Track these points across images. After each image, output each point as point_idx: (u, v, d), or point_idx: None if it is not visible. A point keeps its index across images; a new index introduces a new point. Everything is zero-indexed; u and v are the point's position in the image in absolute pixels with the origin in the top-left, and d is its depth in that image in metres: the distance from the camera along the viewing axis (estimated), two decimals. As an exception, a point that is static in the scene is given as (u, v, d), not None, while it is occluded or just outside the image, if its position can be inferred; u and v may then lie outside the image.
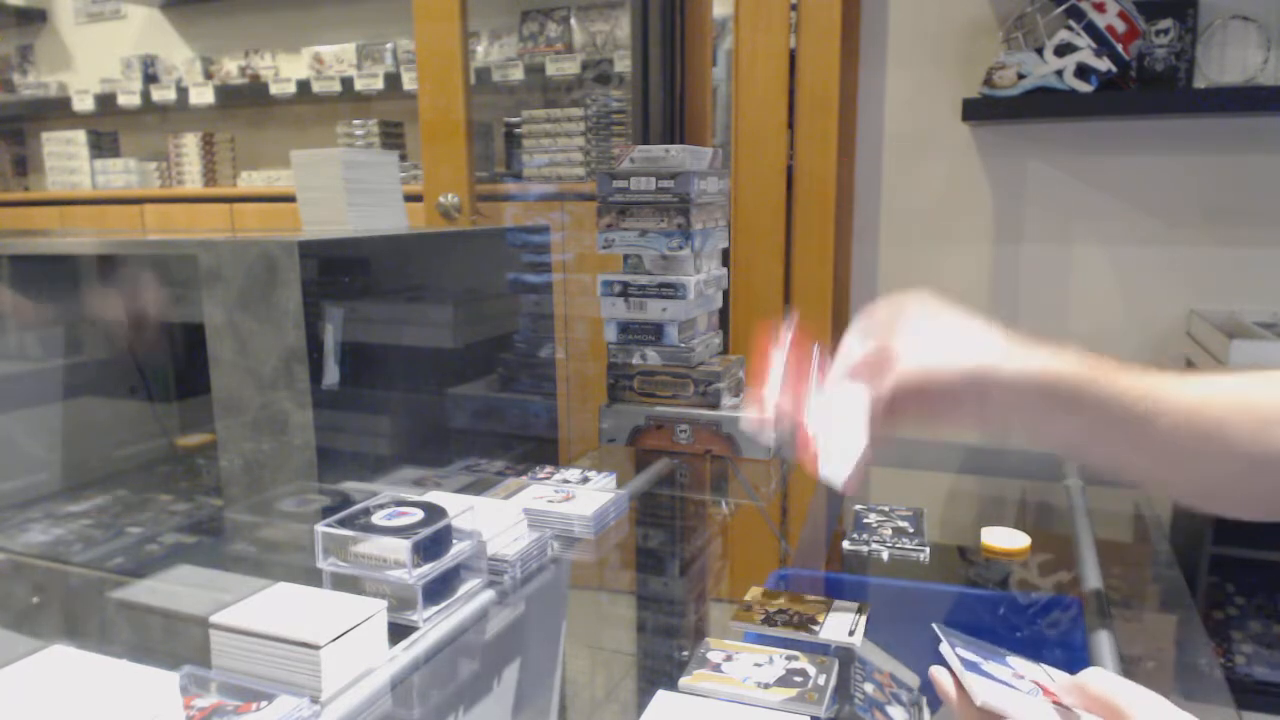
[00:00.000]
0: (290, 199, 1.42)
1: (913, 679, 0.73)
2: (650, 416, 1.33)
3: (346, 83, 3.14)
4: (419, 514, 0.80)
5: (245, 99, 3.40)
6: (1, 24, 3.82)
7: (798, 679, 0.67)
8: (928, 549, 0.96)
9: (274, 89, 3.23)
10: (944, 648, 0.57)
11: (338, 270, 1.13)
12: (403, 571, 0.75)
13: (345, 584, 0.76)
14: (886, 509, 1.07)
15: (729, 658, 0.71)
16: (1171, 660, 0.90)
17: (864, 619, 0.78)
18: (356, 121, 3.14)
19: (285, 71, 3.39)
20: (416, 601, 0.75)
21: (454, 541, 0.80)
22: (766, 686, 0.66)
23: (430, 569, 0.76)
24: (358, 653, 0.67)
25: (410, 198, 1.57)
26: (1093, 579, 0.92)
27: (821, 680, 0.67)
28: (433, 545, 0.77)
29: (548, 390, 1.51)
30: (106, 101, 3.53)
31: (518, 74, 2.86)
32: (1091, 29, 1.87)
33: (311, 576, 0.76)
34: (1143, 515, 1.19)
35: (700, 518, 1.30)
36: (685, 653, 0.78)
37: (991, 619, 0.95)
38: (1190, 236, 2.01)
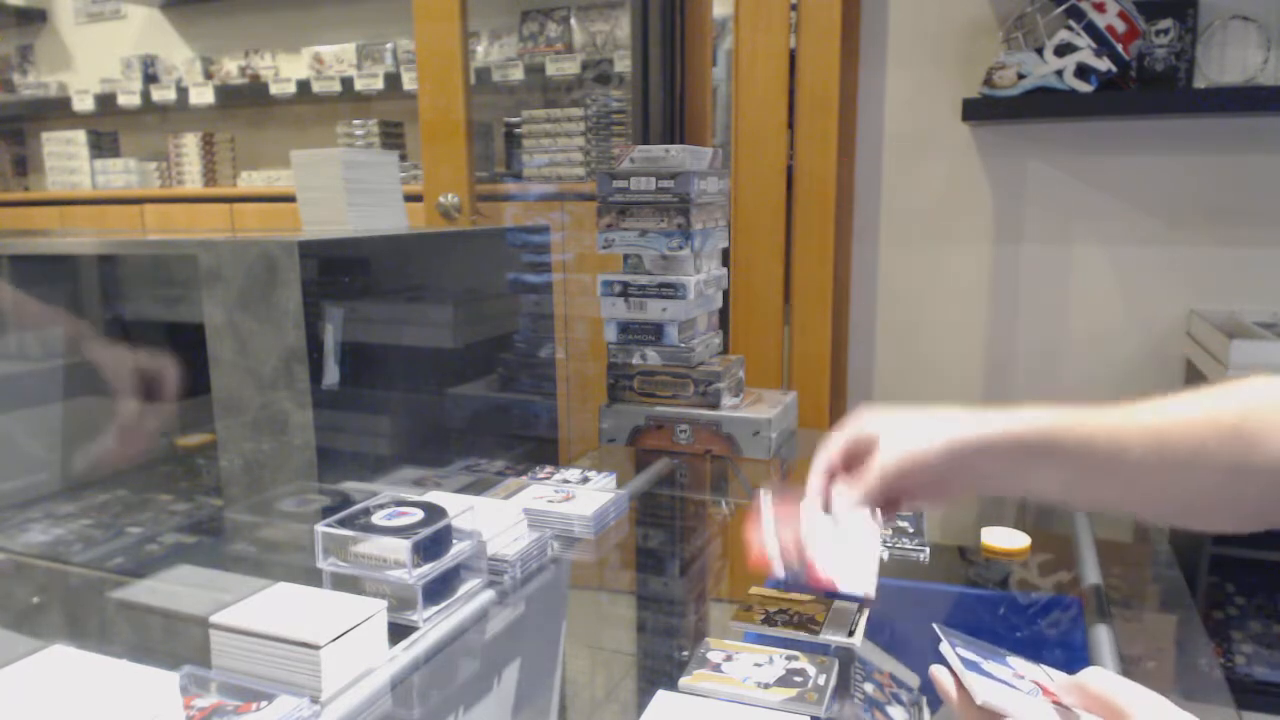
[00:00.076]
0: (290, 199, 1.42)
1: (913, 679, 0.73)
2: (650, 416, 1.33)
3: (346, 83, 3.14)
4: (419, 514, 0.80)
5: (245, 99, 3.40)
6: (1, 24, 3.82)
7: (798, 679, 0.67)
8: (928, 549, 0.96)
9: (274, 89, 3.23)
10: (944, 647, 0.57)
11: (338, 270, 1.13)
12: (403, 571, 0.75)
13: (345, 584, 0.76)
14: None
15: (729, 658, 0.71)
16: (1171, 660, 0.90)
17: (864, 619, 0.78)
18: (356, 121, 3.14)
19: (285, 71, 3.39)
20: (416, 601, 0.75)
21: (454, 541, 0.80)
22: (766, 686, 0.66)
23: (430, 569, 0.76)
24: (358, 653, 0.67)
25: (410, 198, 1.57)
26: (1093, 579, 0.92)
27: (821, 680, 0.67)
28: (433, 545, 0.77)
29: (548, 390, 1.51)
30: (106, 101, 3.53)
31: (518, 74, 2.86)
32: (1091, 29, 1.87)
33: (311, 576, 0.76)
34: (1143, 515, 1.19)
35: (700, 518, 1.30)
36: (685, 653, 0.78)
37: (991, 619, 0.95)
38: (1190, 236, 2.01)
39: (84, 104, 3.56)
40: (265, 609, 0.69)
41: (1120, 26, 1.86)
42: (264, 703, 0.60)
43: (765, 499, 0.77)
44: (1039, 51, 1.93)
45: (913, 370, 2.27)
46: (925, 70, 2.15)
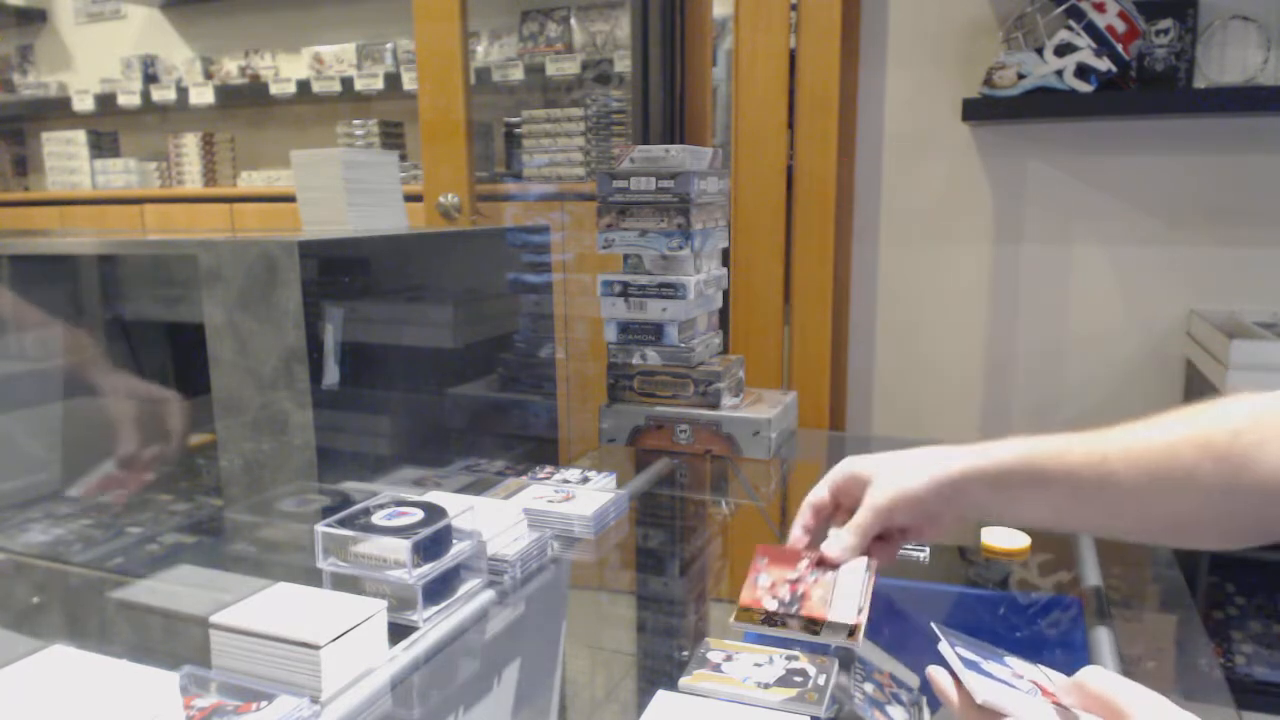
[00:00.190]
0: (290, 199, 1.42)
1: (913, 679, 0.73)
2: (650, 416, 1.33)
3: (346, 83, 3.14)
4: (419, 514, 0.80)
5: (245, 99, 3.40)
6: (1, 24, 3.82)
7: (798, 679, 0.67)
8: (928, 549, 0.96)
9: (274, 89, 3.23)
10: (943, 646, 0.57)
11: (338, 270, 1.13)
12: (403, 571, 0.75)
13: (345, 584, 0.76)
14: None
15: (729, 658, 0.71)
16: (1171, 660, 0.90)
17: (864, 619, 0.77)
18: (356, 121, 3.14)
19: (285, 71, 3.39)
20: (416, 601, 0.75)
21: (454, 541, 0.80)
22: (766, 686, 0.66)
23: (430, 569, 0.76)
24: (358, 653, 0.67)
25: (410, 198, 1.57)
26: (1093, 579, 0.92)
27: (821, 680, 0.67)
28: (433, 545, 0.77)
29: (548, 390, 1.51)
30: (106, 101, 3.53)
31: (518, 74, 2.86)
32: (1091, 29, 1.87)
33: (311, 576, 0.76)
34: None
35: (700, 518, 1.30)
36: (685, 653, 0.78)
37: (991, 619, 0.95)
38: (1190, 236, 2.01)
39: (84, 104, 3.56)
40: (265, 609, 0.69)
41: (1120, 26, 1.86)
42: (264, 703, 0.60)
43: (760, 559, 0.79)
44: (1039, 51, 1.93)
45: (913, 370, 2.27)
46: (925, 70, 2.15)
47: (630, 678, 0.92)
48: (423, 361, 1.31)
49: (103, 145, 3.63)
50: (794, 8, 2.04)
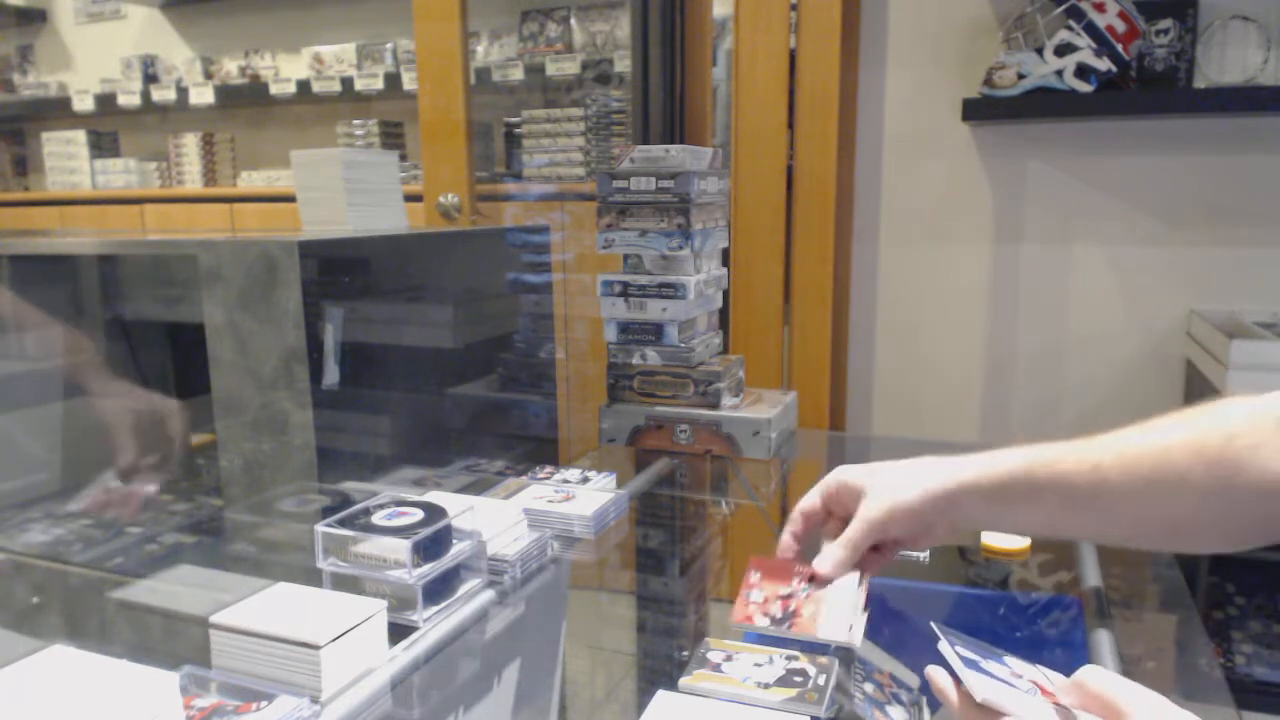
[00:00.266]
0: (290, 199, 1.42)
1: (913, 679, 0.73)
2: (650, 416, 1.33)
3: (346, 83, 3.14)
4: (419, 514, 0.80)
5: (245, 99, 3.40)
6: (1, 24, 3.82)
7: (798, 679, 0.67)
8: (928, 549, 0.96)
9: (274, 89, 3.23)
10: (943, 645, 0.57)
11: (338, 270, 1.13)
12: (403, 571, 0.75)
13: (345, 584, 0.76)
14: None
15: (729, 658, 0.71)
16: (1171, 660, 0.90)
17: (864, 619, 0.77)
18: (356, 121, 3.14)
19: (285, 71, 3.39)
20: (416, 601, 0.75)
21: (454, 541, 0.80)
22: (766, 686, 0.66)
23: (430, 569, 0.76)
24: (358, 653, 0.67)
25: (410, 198, 1.57)
26: (1093, 579, 0.92)
27: (821, 680, 0.67)
28: (433, 545, 0.77)
29: (548, 390, 1.51)
30: (106, 101, 3.53)
31: (518, 74, 2.86)
32: (1091, 29, 1.87)
33: (311, 576, 0.76)
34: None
35: (700, 518, 1.31)
36: (685, 653, 0.78)
37: (991, 619, 0.95)
38: (1190, 236, 2.01)
39: (84, 104, 3.56)
40: (265, 609, 0.69)
41: (1120, 26, 1.86)
42: (264, 703, 0.60)
43: (753, 573, 0.79)
44: (1039, 51, 1.93)
45: (913, 370, 2.27)
46: (925, 70, 2.15)
47: (630, 678, 0.92)
48: (423, 361, 1.31)
49: (103, 145, 3.63)
50: (794, 8, 2.04)
